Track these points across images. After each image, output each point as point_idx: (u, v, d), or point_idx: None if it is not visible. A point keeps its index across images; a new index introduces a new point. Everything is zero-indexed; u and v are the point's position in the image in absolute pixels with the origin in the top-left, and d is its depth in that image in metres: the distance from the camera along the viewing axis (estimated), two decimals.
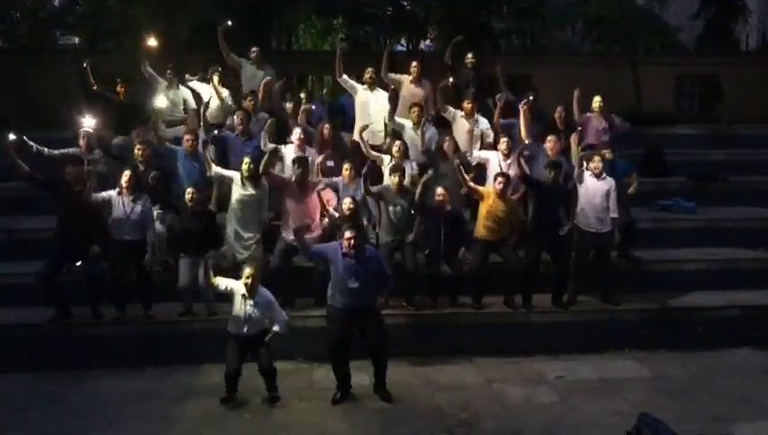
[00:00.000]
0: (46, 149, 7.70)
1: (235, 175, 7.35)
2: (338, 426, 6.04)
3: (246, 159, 7.27)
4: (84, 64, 8.95)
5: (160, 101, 8.57)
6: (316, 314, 7.31)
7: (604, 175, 7.72)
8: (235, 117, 8.38)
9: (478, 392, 6.68)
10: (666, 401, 6.44)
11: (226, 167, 7.73)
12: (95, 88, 9.02)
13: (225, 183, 7.49)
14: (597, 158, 7.74)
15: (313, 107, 9.46)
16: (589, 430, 5.95)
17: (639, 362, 7.35)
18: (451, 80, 9.13)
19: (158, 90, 9.03)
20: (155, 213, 7.42)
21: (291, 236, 7.26)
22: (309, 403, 6.39)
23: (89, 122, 7.91)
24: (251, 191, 7.26)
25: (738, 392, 6.66)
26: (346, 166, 7.79)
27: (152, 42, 8.52)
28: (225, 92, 9.12)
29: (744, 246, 9.02)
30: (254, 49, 9.58)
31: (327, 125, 8.43)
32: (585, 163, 7.80)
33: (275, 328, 6.31)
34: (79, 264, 7.28)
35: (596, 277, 7.95)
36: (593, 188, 7.69)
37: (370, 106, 8.72)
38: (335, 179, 7.81)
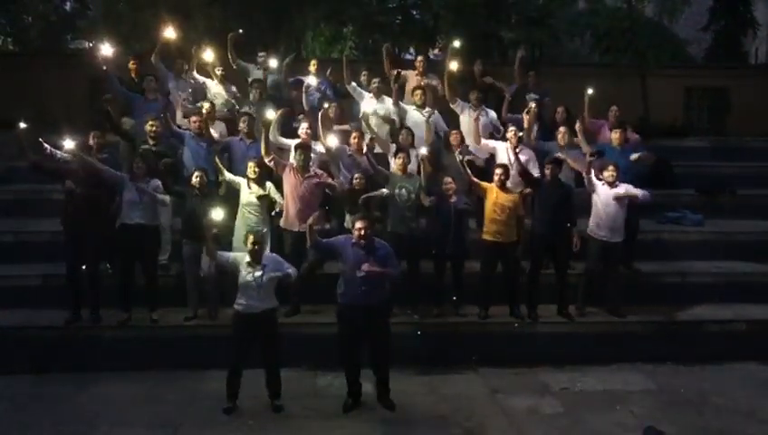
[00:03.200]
0: (59, 153, 7.75)
1: (242, 180, 7.44)
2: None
3: (251, 163, 7.35)
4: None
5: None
6: (321, 320, 7.31)
7: (617, 183, 7.64)
8: (240, 122, 8.36)
9: (482, 402, 6.67)
10: (671, 414, 6.41)
11: (232, 172, 7.74)
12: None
13: (234, 188, 7.52)
14: (611, 167, 7.64)
15: (310, 81, 9.35)
16: None
17: (645, 375, 7.31)
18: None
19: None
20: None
21: (295, 228, 7.34)
22: (313, 411, 6.37)
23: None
24: (258, 193, 7.33)
25: (744, 407, 6.62)
26: (354, 134, 7.93)
27: (170, 33, 8.43)
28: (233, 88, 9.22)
29: (752, 259, 8.98)
30: (261, 54, 9.62)
31: (333, 104, 8.62)
32: (594, 170, 7.71)
33: (290, 271, 6.28)
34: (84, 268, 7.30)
35: (603, 288, 7.91)
36: (606, 195, 7.63)
37: (378, 114, 8.76)
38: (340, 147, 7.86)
